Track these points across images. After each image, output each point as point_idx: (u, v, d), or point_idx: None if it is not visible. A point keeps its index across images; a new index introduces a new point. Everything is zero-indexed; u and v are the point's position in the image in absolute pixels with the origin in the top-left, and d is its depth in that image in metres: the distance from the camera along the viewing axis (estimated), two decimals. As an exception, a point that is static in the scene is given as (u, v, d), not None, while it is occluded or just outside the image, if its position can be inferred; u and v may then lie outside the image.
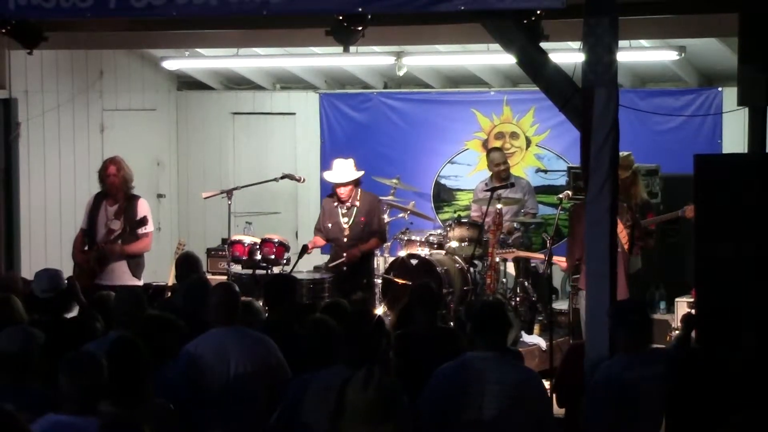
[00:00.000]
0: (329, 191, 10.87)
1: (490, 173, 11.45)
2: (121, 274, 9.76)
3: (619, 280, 9.04)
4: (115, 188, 9.91)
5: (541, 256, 10.20)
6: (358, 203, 10.57)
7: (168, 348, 6.32)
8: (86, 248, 9.91)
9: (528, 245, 11.18)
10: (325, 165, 11.87)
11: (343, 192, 10.55)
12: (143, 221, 9.75)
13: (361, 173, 10.67)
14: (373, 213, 10.60)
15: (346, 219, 10.56)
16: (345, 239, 10.55)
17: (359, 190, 10.63)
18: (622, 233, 9.31)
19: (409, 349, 7.16)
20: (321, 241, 10.78)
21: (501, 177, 11.21)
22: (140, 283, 9.80)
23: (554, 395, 7.60)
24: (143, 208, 9.89)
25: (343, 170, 10.62)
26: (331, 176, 10.71)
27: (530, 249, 11.29)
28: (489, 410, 5.72)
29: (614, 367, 6.32)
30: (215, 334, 6.63)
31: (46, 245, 12.40)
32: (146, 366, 5.52)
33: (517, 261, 11.00)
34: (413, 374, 6.03)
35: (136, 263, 9.89)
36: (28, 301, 7.35)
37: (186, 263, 8.65)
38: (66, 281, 7.64)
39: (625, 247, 9.40)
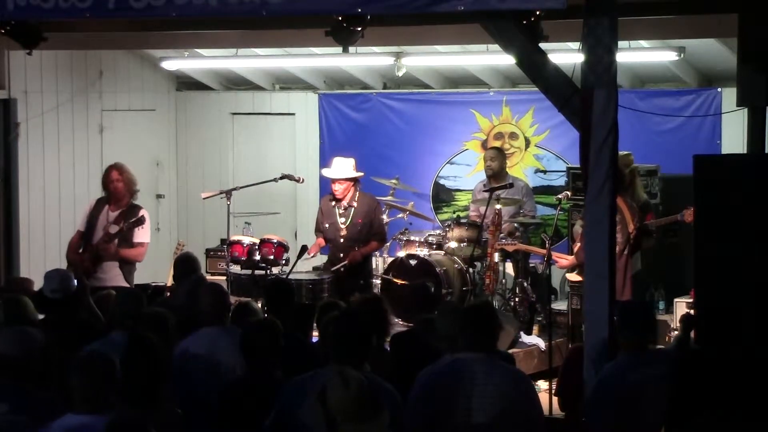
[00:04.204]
0: (329, 191, 10.87)
1: (488, 173, 11.47)
2: (114, 276, 9.80)
3: (625, 281, 9.10)
4: (119, 193, 9.96)
5: (543, 251, 10.21)
6: (356, 204, 10.57)
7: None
8: (81, 250, 9.93)
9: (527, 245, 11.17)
10: (324, 165, 11.87)
11: (338, 189, 10.55)
12: (140, 220, 9.77)
13: (360, 174, 10.67)
14: (372, 215, 10.60)
15: (343, 219, 10.56)
16: (342, 240, 10.55)
17: (358, 191, 10.63)
18: (633, 233, 9.33)
19: (406, 349, 7.18)
20: (323, 242, 10.79)
21: (487, 174, 11.23)
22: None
23: (557, 399, 7.61)
24: (144, 215, 9.91)
25: (342, 167, 10.64)
26: (328, 172, 10.75)
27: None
28: (478, 413, 5.67)
29: (617, 368, 6.32)
30: (207, 332, 6.85)
31: (45, 245, 12.40)
32: (162, 367, 5.54)
33: (516, 261, 11.00)
34: (410, 374, 6.03)
35: (128, 270, 9.94)
36: (35, 301, 7.37)
37: (184, 264, 8.69)
38: (76, 281, 7.64)
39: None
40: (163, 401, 5.47)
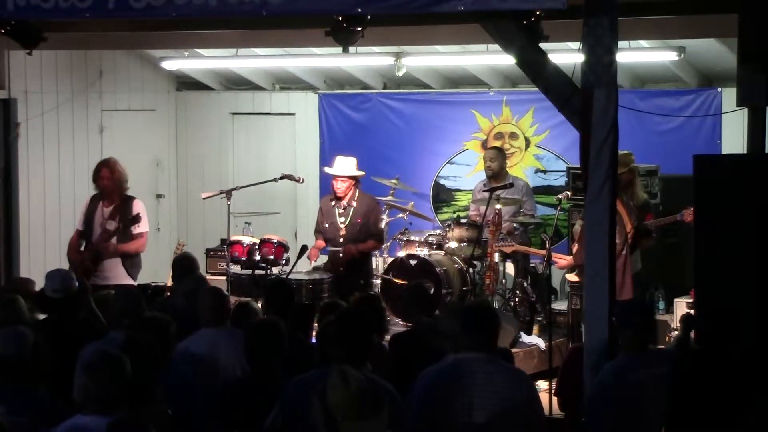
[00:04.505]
0: (328, 192, 10.87)
1: (488, 173, 11.47)
2: (117, 274, 9.80)
3: (624, 281, 9.10)
4: (109, 191, 9.96)
5: (541, 252, 10.21)
6: (355, 203, 10.57)
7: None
8: (81, 249, 9.95)
9: (527, 245, 11.16)
10: (324, 165, 11.89)
11: (339, 187, 10.56)
12: (136, 218, 9.79)
13: (361, 173, 10.69)
14: (371, 215, 10.60)
15: (342, 219, 10.57)
16: (341, 239, 10.56)
17: (358, 191, 10.64)
18: (630, 233, 9.33)
19: (406, 349, 7.18)
20: (322, 244, 10.79)
21: (487, 174, 11.24)
22: (135, 283, 9.82)
23: (557, 399, 7.60)
24: (138, 207, 9.93)
25: (344, 164, 10.66)
26: (330, 169, 10.76)
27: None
28: (479, 413, 5.65)
29: (617, 368, 6.32)
30: (207, 333, 6.90)
31: (45, 245, 12.40)
32: (156, 368, 5.53)
33: (516, 261, 10.99)
34: (410, 374, 6.02)
35: (131, 263, 9.92)
36: (37, 301, 7.37)
37: (182, 264, 8.69)
38: (78, 282, 7.64)
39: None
40: (154, 401, 5.46)
